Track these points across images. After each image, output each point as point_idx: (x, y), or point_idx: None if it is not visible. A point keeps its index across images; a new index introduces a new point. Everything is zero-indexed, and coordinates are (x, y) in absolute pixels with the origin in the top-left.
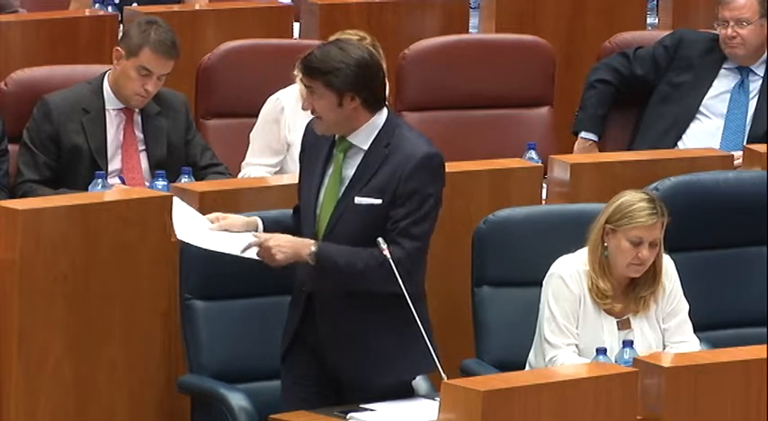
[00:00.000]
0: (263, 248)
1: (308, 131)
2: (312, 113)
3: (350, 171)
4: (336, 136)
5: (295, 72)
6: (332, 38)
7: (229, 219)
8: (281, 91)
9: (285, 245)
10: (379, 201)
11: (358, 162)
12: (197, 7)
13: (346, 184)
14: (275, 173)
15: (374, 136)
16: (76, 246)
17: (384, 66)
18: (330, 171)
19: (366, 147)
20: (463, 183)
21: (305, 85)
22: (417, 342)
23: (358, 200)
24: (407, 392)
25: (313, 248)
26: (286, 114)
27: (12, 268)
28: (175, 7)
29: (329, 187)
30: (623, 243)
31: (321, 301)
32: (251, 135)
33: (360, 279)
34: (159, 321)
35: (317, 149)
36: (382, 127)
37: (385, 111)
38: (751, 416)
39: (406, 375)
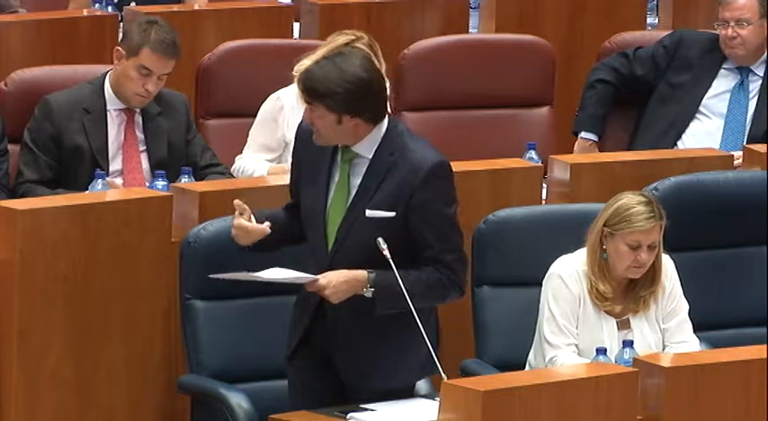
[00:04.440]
0: (319, 290)
1: (305, 132)
2: (312, 125)
3: (356, 180)
4: (340, 145)
5: (294, 72)
6: (329, 38)
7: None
8: (281, 90)
9: (341, 288)
10: (392, 214)
11: (363, 171)
12: (197, 7)
13: (353, 194)
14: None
15: (377, 145)
16: (76, 246)
17: (383, 66)
18: (336, 179)
19: (370, 157)
20: (463, 183)
21: (305, 101)
22: (422, 347)
23: (369, 213)
24: (408, 393)
25: (369, 286)
26: (285, 113)
27: (12, 268)
28: (175, 7)
29: (336, 197)
30: (621, 247)
31: (330, 305)
32: (250, 131)
33: (416, 302)
34: (159, 321)
35: (318, 155)
36: (384, 135)
37: (386, 119)
38: (751, 416)
39: (409, 379)
